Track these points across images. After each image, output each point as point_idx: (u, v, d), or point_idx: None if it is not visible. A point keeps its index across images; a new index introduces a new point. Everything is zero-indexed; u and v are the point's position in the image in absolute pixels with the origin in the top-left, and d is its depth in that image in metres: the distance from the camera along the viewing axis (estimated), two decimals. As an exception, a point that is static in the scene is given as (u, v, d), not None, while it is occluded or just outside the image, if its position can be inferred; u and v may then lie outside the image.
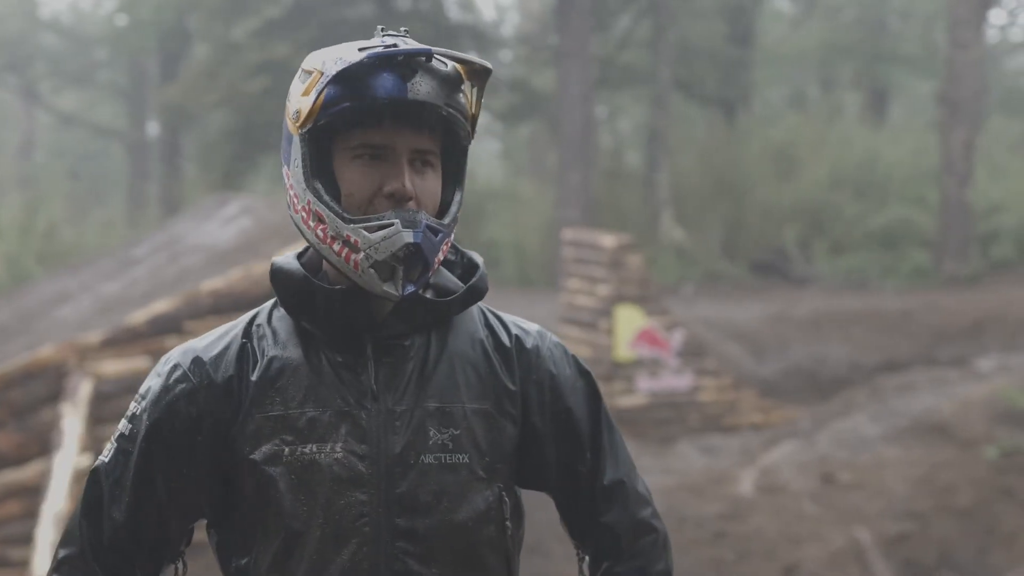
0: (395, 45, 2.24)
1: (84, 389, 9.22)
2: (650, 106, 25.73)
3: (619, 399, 12.91)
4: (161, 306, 9.90)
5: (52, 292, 14.51)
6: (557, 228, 19.28)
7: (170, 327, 9.57)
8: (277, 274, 2.35)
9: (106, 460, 2.35)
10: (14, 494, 9.37)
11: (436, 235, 2.25)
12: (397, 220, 2.22)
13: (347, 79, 2.21)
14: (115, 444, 2.35)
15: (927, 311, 17.12)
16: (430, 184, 2.28)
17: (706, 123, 27.00)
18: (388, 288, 2.24)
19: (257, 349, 2.34)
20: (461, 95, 2.28)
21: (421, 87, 2.22)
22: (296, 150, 2.27)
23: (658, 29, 24.52)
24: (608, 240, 13.24)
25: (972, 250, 20.42)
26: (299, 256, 2.38)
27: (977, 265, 20.20)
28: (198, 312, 9.64)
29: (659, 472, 11.67)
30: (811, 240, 21.93)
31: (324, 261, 2.33)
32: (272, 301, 2.41)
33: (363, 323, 2.30)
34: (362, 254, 2.22)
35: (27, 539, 8.81)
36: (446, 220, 2.29)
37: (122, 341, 9.61)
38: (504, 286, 21.17)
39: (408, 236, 2.21)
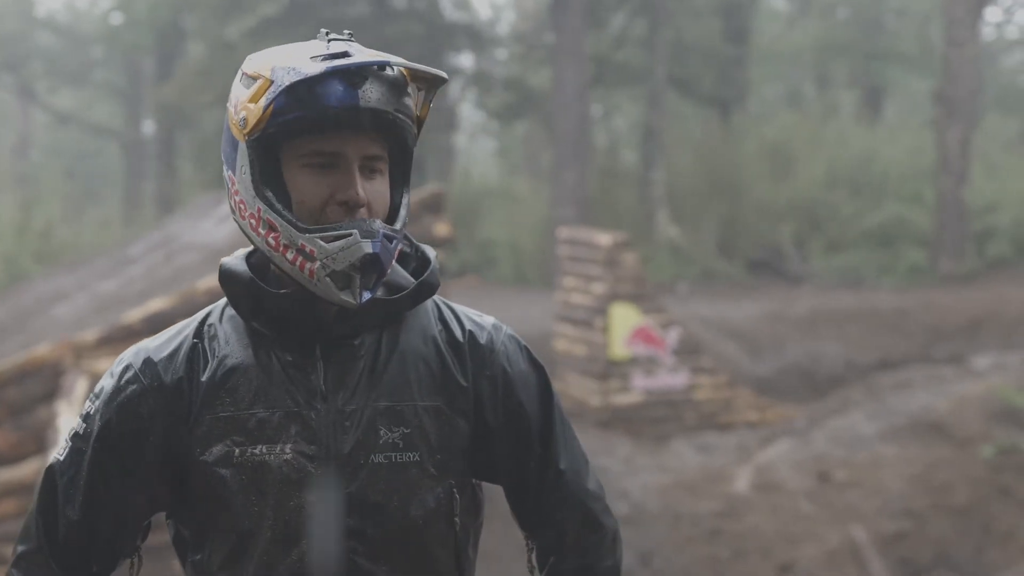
0: (346, 52, 2.23)
1: (80, 387, 9.21)
2: (646, 104, 25.73)
3: (615, 397, 12.91)
4: (157, 305, 9.90)
5: (48, 291, 14.50)
6: (552, 226, 19.27)
7: (166, 325, 9.50)
8: (226, 276, 2.35)
9: (60, 458, 2.37)
10: (10, 492, 9.37)
11: (391, 242, 2.26)
12: (355, 231, 2.21)
13: (297, 88, 2.20)
14: (69, 443, 2.37)
15: (923, 309, 17.13)
16: (380, 189, 2.28)
17: (702, 121, 27.00)
18: (345, 296, 2.24)
19: (208, 349, 2.35)
20: (408, 98, 2.27)
21: (372, 94, 2.21)
22: (243, 156, 2.26)
23: (653, 27, 24.52)
24: (604, 238, 13.23)
25: (968, 248, 20.42)
26: (249, 256, 2.38)
27: (973, 263, 20.21)
28: (194, 311, 9.54)
29: (655, 470, 11.67)
30: (807, 238, 21.94)
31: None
32: (224, 300, 2.41)
33: (312, 325, 2.30)
34: (318, 263, 2.22)
35: (23, 538, 8.80)
36: (398, 225, 2.30)
37: (118, 339, 9.60)
38: (500, 285, 21.18)
39: (367, 247, 2.21)
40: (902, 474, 11.18)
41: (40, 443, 9.26)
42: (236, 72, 2.34)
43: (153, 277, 12.51)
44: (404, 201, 2.34)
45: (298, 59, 2.22)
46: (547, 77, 24.57)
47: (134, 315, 9.85)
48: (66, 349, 9.54)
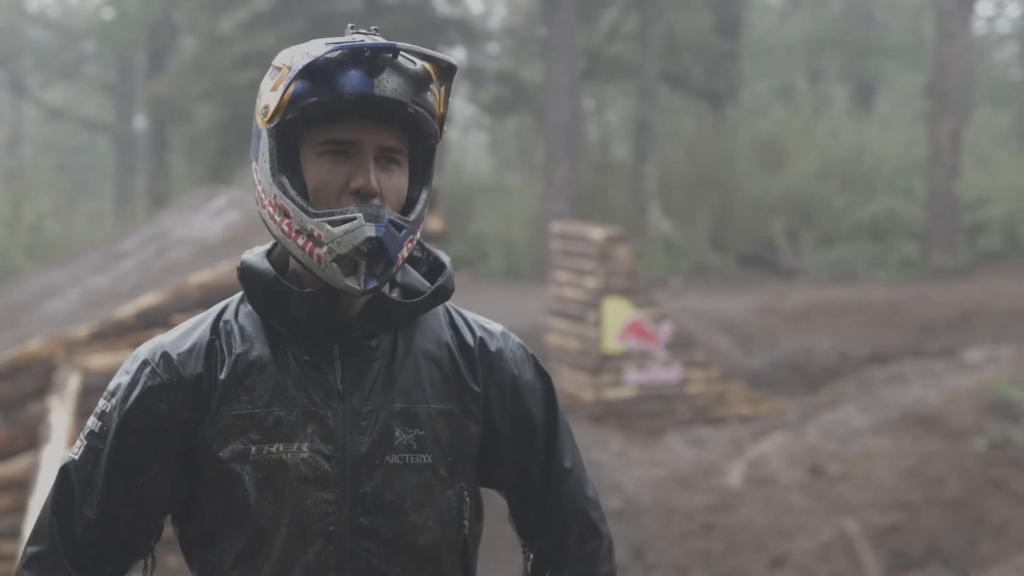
0: (363, 42, 2.23)
1: (72, 383, 9.19)
2: (637, 98, 25.73)
3: (607, 392, 12.91)
4: (149, 299, 9.87)
5: (40, 286, 14.49)
6: (545, 221, 19.28)
7: (158, 320, 9.55)
8: (247, 272, 2.35)
9: (76, 457, 2.36)
10: (3, 488, 9.35)
11: (400, 231, 2.26)
12: (360, 214, 2.22)
13: (314, 75, 2.22)
14: (85, 441, 2.36)
15: (915, 302, 17.14)
16: (396, 181, 2.29)
17: (694, 115, 27.02)
18: (350, 282, 2.24)
19: (225, 346, 2.34)
20: (429, 94, 2.28)
21: (388, 84, 2.22)
22: (264, 145, 2.28)
23: (645, 21, 24.52)
24: (596, 233, 13.22)
25: (960, 242, 20.46)
26: (268, 253, 2.38)
27: (965, 256, 20.24)
28: (186, 306, 9.61)
29: (648, 464, 11.67)
30: (799, 232, 21.96)
31: (291, 258, 2.34)
32: (239, 295, 2.41)
33: (331, 324, 2.31)
34: (325, 248, 2.23)
35: (16, 533, 8.80)
36: (411, 217, 2.30)
37: (110, 335, 9.58)
38: (492, 279, 21.18)
39: (370, 230, 2.22)
40: (894, 467, 11.19)
41: (32, 439, 9.23)
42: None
43: (145, 272, 12.50)
44: (423, 197, 2.34)
45: (315, 47, 2.24)
46: (539, 71, 24.56)
47: (126, 310, 9.83)
48: (58, 344, 9.52)
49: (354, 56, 2.21)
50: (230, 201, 13.62)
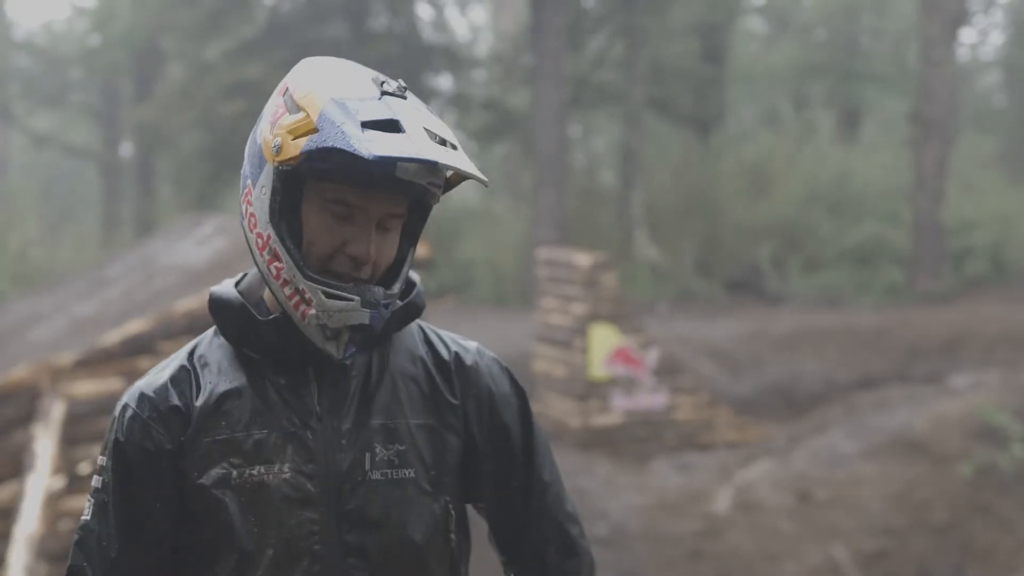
0: (396, 121, 2.18)
1: (57, 411, 9.16)
2: (624, 125, 25.78)
3: (594, 418, 12.90)
4: (135, 327, 9.85)
5: (25, 313, 14.44)
6: (531, 247, 19.27)
7: (144, 348, 9.53)
8: (216, 304, 2.39)
9: (88, 517, 2.39)
10: (-13, 516, 9.30)
11: (387, 307, 2.29)
12: (357, 298, 2.24)
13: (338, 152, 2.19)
14: (92, 499, 2.39)
15: (901, 328, 17.16)
16: (390, 242, 2.31)
17: (680, 142, 27.06)
18: (329, 348, 2.29)
19: (200, 377, 2.37)
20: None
21: (410, 167, 2.22)
22: (267, 177, 2.27)
23: (631, 48, 24.58)
24: (583, 259, 13.23)
25: (945, 267, 20.49)
26: (237, 283, 2.41)
27: (951, 282, 20.27)
28: (172, 333, 9.59)
29: (635, 491, 11.66)
30: (785, 258, 21.98)
31: (266, 290, 2.36)
32: (212, 329, 2.44)
33: (303, 349, 2.32)
34: (314, 311, 2.25)
35: None
36: (396, 288, 2.32)
37: (96, 362, 9.55)
38: (479, 305, 21.16)
39: (364, 317, 2.26)
40: (882, 492, 11.20)
41: (17, 467, 9.20)
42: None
43: (131, 299, 12.47)
44: (409, 256, 2.37)
45: (348, 117, 2.18)
46: (526, 98, 24.60)
47: (112, 337, 9.81)
48: (43, 372, 9.49)
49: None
50: (217, 228, 13.62)
